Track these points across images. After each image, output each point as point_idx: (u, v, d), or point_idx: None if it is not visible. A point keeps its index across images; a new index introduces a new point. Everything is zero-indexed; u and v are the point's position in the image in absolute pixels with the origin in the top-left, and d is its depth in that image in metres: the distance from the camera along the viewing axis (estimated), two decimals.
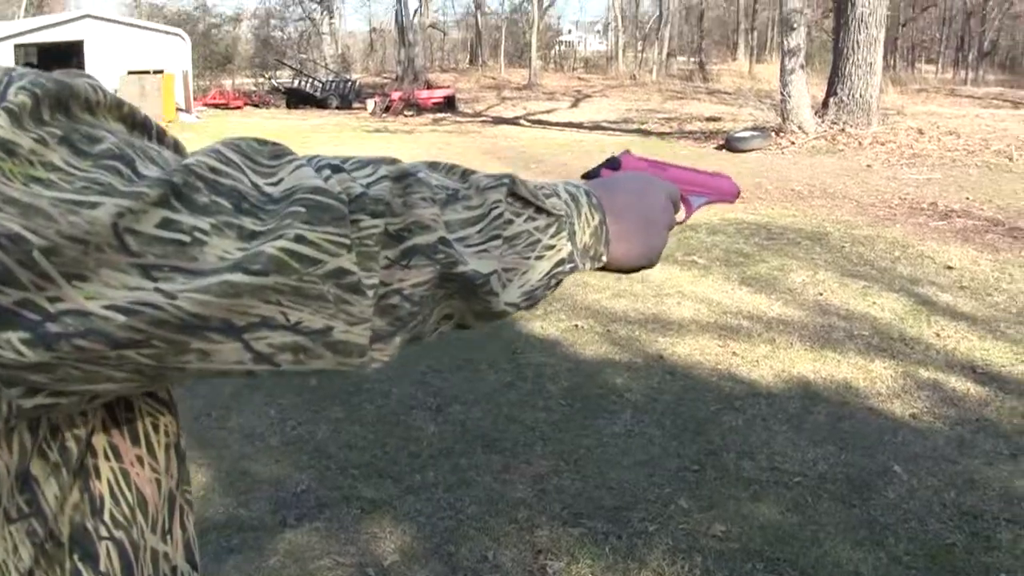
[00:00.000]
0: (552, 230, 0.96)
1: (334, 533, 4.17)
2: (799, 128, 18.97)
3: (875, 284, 8.11)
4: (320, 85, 39.99)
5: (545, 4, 58.40)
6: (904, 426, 5.28)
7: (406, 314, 0.81)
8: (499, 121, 28.46)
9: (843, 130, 18.96)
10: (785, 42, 19.78)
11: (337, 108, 36.67)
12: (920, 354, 6.43)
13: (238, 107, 37.25)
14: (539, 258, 0.95)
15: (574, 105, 33.68)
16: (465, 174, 0.92)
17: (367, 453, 4.94)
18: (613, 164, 1.28)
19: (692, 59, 55.59)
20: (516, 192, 0.93)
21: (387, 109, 32.45)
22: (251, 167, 0.75)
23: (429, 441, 5.06)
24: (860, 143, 18.08)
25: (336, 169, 0.80)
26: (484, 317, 0.93)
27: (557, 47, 68.35)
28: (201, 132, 23.01)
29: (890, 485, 4.59)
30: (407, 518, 4.31)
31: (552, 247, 0.96)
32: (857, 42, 19.36)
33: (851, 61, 19.47)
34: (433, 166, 0.91)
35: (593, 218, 1.03)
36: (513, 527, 4.24)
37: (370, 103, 34.28)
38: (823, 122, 19.43)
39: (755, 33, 55.58)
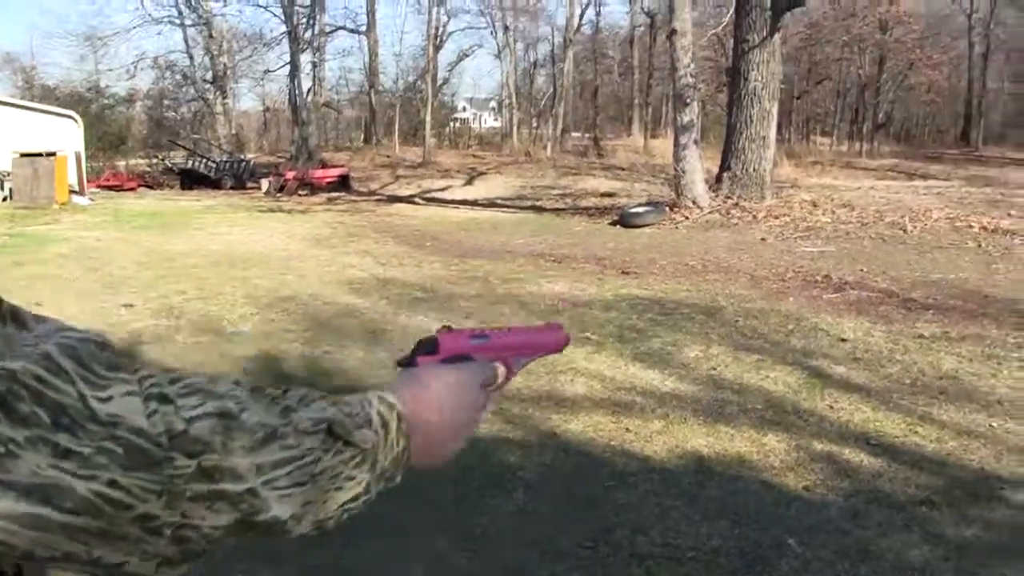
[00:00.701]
0: (356, 461, 0.99)
1: None
2: (693, 203, 19.24)
3: (769, 357, 8.22)
4: (214, 165, 39.78)
5: (439, 82, 58.96)
6: (798, 498, 5.34)
7: (198, 548, 0.86)
8: (394, 199, 28.52)
9: (737, 204, 19.29)
10: (678, 117, 20.10)
11: (231, 188, 36.50)
12: (814, 426, 6.52)
13: (132, 188, 36.86)
14: (338, 489, 0.97)
15: (469, 183, 33.85)
16: (287, 411, 0.94)
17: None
18: (430, 348, 1.29)
19: (586, 135, 56.28)
20: (334, 432, 0.97)
21: (281, 188, 32.33)
22: (83, 375, 0.79)
23: None
24: (754, 216, 18.40)
25: (163, 400, 0.83)
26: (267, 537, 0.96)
27: (451, 124, 68.78)
28: (95, 214, 22.69)
29: (784, 558, 4.63)
30: None
31: (352, 479, 0.99)
32: (750, 117, 19.79)
33: (744, 135, 19.88)
34: (257, 394, 0.94)
35: (398, 444, 1.05)
36: None
37: (264, 183, 34.14)
38: (717, 196, 19.75)
39: (649, 108, 56.46)
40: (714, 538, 4.85)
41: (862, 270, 12.84)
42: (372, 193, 32.27)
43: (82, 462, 0.74)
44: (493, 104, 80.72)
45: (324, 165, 38.61)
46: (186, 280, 12.43)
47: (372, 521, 5.07)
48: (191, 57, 55.97)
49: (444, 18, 56.20)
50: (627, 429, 6.50)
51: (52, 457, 0.72)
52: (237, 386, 0.93)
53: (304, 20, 45.56)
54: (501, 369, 1.34)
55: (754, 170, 19.85)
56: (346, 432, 0.97)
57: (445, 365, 1.24)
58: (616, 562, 4.64)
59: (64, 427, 0.74)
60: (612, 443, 6.25)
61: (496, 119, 77.51)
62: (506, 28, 58.04)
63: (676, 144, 20.13)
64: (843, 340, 8.87)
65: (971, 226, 16.42)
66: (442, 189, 31.70)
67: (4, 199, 24.38)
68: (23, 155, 24.58)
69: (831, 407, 6.93)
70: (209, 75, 55.18)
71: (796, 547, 4.74)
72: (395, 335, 9.08)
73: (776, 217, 18.24)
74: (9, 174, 24.52)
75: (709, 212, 18.90)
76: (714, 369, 7.93)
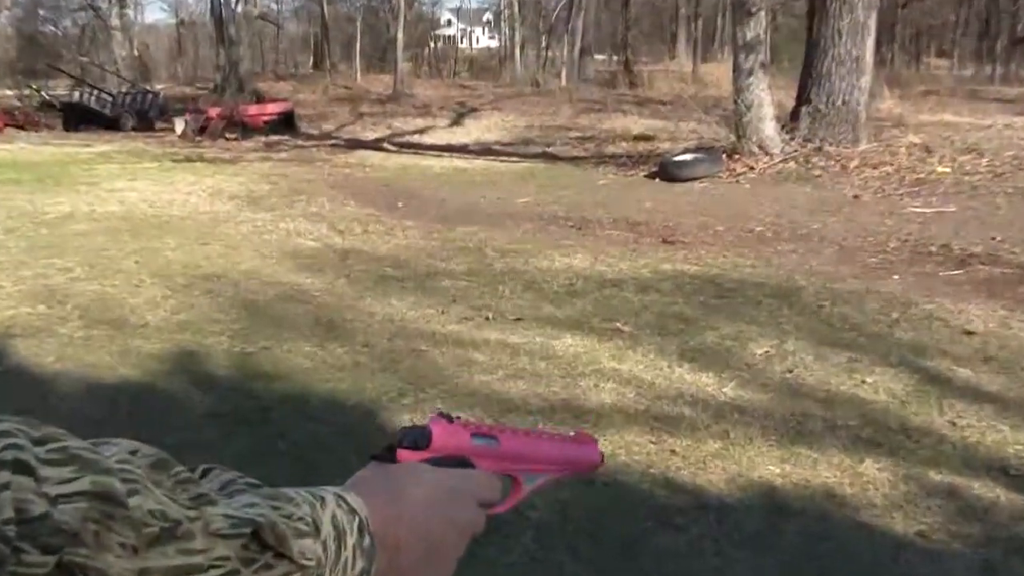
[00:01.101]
0: None
1: None
2: (760, 148, 19.11)
3: (865, 356, 8.17)
4: (110, 99, 39.66)
5: None
6: (908, 547, 5.29)
7: None
8: (355, 145, 28.45)
9: (820, 149, 19.16)
10: (740, 33, 19.90)
11: (134, 129, 36.39)
12: (929, 449, 6.46)
13: None
14: None
15: (456, 123, 33.82)
16: (199, 500, 0.90)
17: None
18: (417, 441, 1.27)
19: (615, 58, 56.16)
20: (260, 538, 0.93)
21: (202, 130, 32.26)
22: None
23: None
24: (844, 166, 18.29)
25: (22, 468, 0.79)
26: None
27: (432, 44, 68.70)
28: None
29: None
30: None
31: None
32: (839, 31, 19.62)
33: (830, 56, 19.73)
34: (160, 471, 0.90)
35: (353, 567, 1.03)
36: None
37: (179, 122, 34.05)
38: (793, 139, 19.62)
39: (699, 22, 56.41)
40: None
41: (994, 238, 12.72)
42: (326, 136, 32.23)
43: None
44: (488, 17, 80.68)
45: (260, 99, 38.61)
46: (73, 253, 12.40)
47: None
48: None
49: None
50: (672, 451, 6.46)
51: None
52: (133, 456, 0.89)
53: None
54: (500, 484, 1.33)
55: (844, 103, 19.70)
56: (279, 540, 0.93)
57: (434, 468, 1.23)
58: None
59: None
60: (652, 470, 6.21)
61: (492, 37, 77.49)
62: None
63: (736, 70, 19.97)
64: (968, 333, 8.80)
65: None
66: (420, 131, 31.65)
67: None
68: None
69: (953, 423, 6.87)
70: None
71: None
72: (357, 327, 9.08)
73: (874, 167, 18.13)
74: None
75: (782, 160, 18.81)
76: (790, 371, 7.90)
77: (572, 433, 1.46)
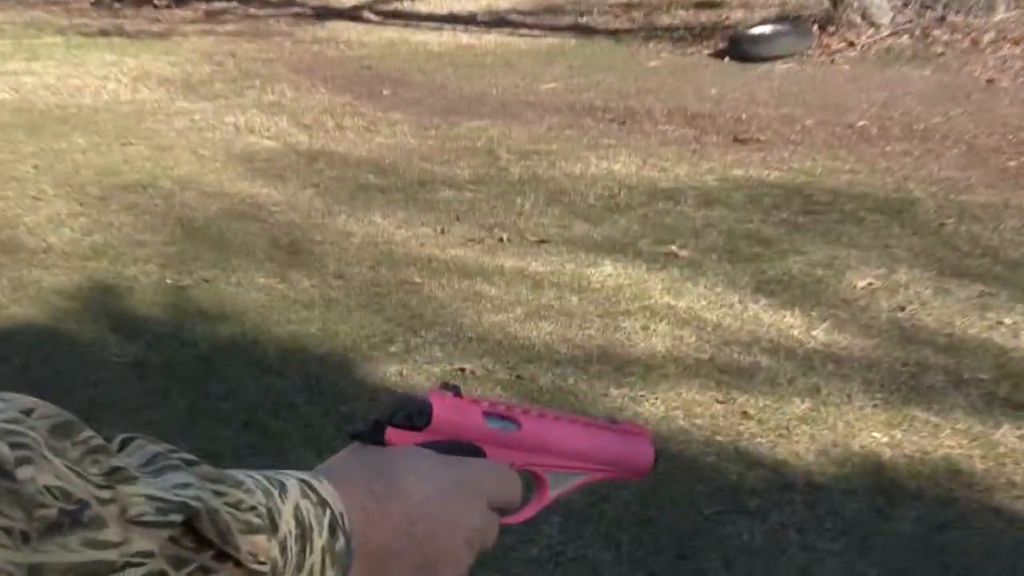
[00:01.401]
0: None
1: None
2: (863, 18, 19.06)
3: (1002, 290, 8.17)
4: None
5: None
6: None
7: None
8: (325, 14, 28.36)
9: (944, 19, 19.11)
10: None
11: None
12: None
13: None
14: None
15: None
16: (115, 474, 0.86)
17: None
18: (413, 419, 1.22)
19: None
20: (196, 530, 0.89)
21: None
22: None
23: None
24: (975, 42, 18.22)
25: None
26: None
27: None
28: None
29: None
30: None
31: None
32: None
33: None
34: (61, 435, 0.86)
35: (324, 574, 1.01)
36: None
37: None
38: (908, 6, 19.57)
39: None
40: None
41: None
42: (287, 3, 32.19)
43: None
44: None
45: None
46: None
47: None
48: None
49: None
50: (745, 414, 6.50)
51: None
52: (27, 417, 0.85)
53: None
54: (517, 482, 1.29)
55: None
56: (220, 533, 0.89)
57: (436, 455, 1.19)
58: None
59: None
60: (718, 438, 6.24)
61: None
62: None
63: None
64: None
65: None
66: None
67: None
68: None
69: None
70: None
71: None
72: (328, 252, 9.10)
73: (1015, 42, 18.06)
74: None
75: (892, 34, 18.74)
76: (901, 309, 7.91)
77: (617, 423, 1.43)
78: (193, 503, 0.87)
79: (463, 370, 7.05)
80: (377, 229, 9.51)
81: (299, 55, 20.91)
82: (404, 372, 7.03)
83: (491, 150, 12.47)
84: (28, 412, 0.85)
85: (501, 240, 9.38)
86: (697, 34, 21.04)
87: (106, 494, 0.83)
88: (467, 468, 1.17)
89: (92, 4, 31.89)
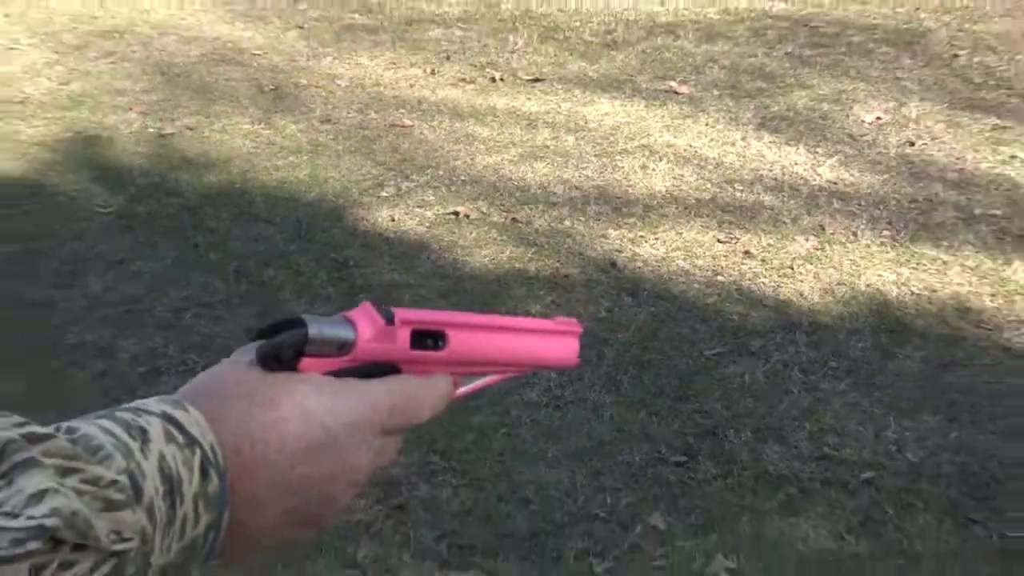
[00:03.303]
0: (105, 570, 0.89)
1: None
2: None
3: (1017, 123, 8.16)
4: None
5: None
6: None
7: None
8: None
9: None
10: None
11: None
12: None
13: None
14: None
15: None
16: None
17: None
18: (338, 337, 1.15)
19: None
20: (56, 539, 0.85)
21: None
22: None
23: None
24: None
25: None
26: None
27: None
28: None
29: None
30: None
31: None
32: None
33: None
34: None
35: (198, 521, 0.97)
36: None
37: None
38: None
39: None
40: (912, 448, 4.88)
41: None
42: None
43: None
44: None
45: None
46: None
47: None
48: None
49: None
50: (747, 253, 6.55)
51: None
52: None
53: None
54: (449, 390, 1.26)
55: None
56: (81, 532, 0.86)
57: (328, 390, 1.12)
58: (727, 488, 4.70)
59: None
60: (719, 278, 6.30)
61: None
62: None
63: None
64: None
65: None
66: None
67: None
68: None
69: None
70: None
71: None
72: (315, 95, 9.11)
73: None
74: None
75: None
76: (911, 144, 7.91)
77: (549, 321, 1.37)
78: (49, 522, 0.83)
79: (456, 214, 7.05)
80: (364, 71, 9.50)
81: None
82: (396, 216, 7.05)
83: None
84: None
85: (493, 79, 9.36)
86: None
87: None
88: (364, 400, 1.11)
89: None
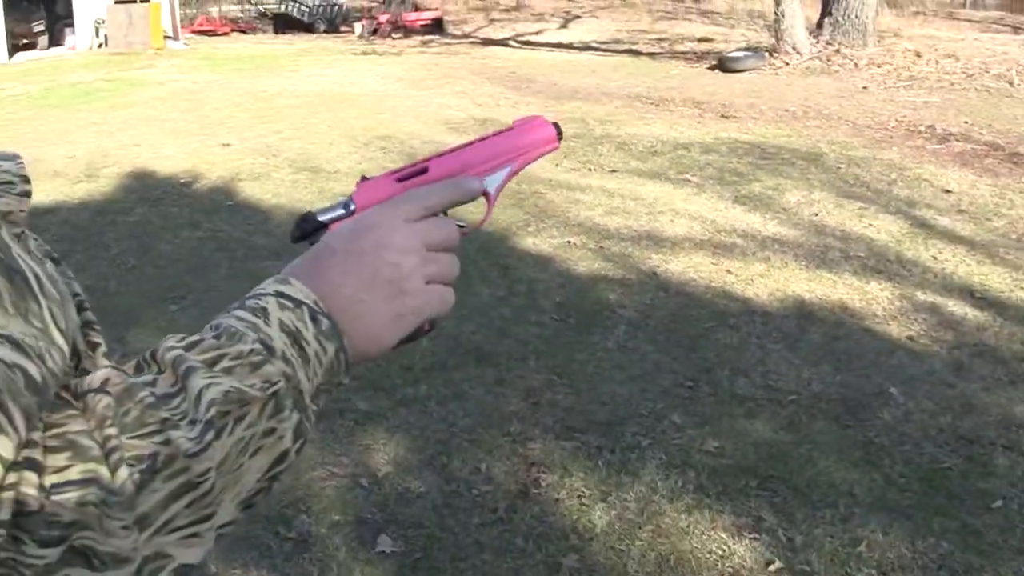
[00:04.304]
0: (270, 409, 0.78)
1: (328, 444, 4.17)
2: (793, 48, 18.66)
3: (871, 205, 8.04)
4: (307, 10, 39.54)
5: None
6: (900, 348, 5.26)
7: None
8: (488, 43, 28.07)
9: (838, 51, 18.68)
10: None
11: (324, 32, 36.30)
12: (917, 277, 6.40)
13: (225, 34, 36.68)
14: (254, 454, 0.78)
15: (563, 26, 33.20)
16: (165, 428, 0.72)
17: (360, 366, 4.92)
18: (342, 208, 0.97)
19: None
20: (240, 414, 0.77)
21: (374, 32, 31.97)
22: None
23: (422, 355, 5.02)
24: (856, 64, 17.81)
25: (29, 465, 0.66)
26: None
27: None
28: (189, 59, 22.58)
29: (886, 407, 4.58)
30: (401, 430, 4.31)
31: (271, 432, 0.78)
32: None
33: None
34: (127, 397, 0.73)
35: (326, 351, 0.83)
36: (506, 440, 4.24)
37: (357, 27, 33.74)
38: (818, 42, 19.15)
39: None
40: (815, 383, 4.81)
41: (967, 122, 12.31)
42: (466, 36, 31.86)
43: None
44: None
45: (417, 8, 38.16)
46: (282, 120, 12.42)
47: (476, 354, 5.11)
48: None
49: None
50: (728, 271, 6.45)
51: None
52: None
53: None
54: (474, 184, 1.03)
55: (856, 16, 19.16)
56: (242, 400, 0.76)
57: (360, 215, 0.94)
58: (716, 402, 4.63)
59: None
60: (713, 284, 6.22)
61: None
62: None
63: None
64: (947, 192, 8.59)
65: None
66: (536, 32, 31.15)
67: (100, 46, 24.44)
68: (117, 2, 24.60)
69: (935, 258, 6.78)
70: None
71: (899, 397, 4.68)
72: None
73: (878, 65, 17.62)
74: (104, 21, 24.55)
75: (809, 59, 18.34)
76: (816, 215, 7.79)
77: (511, 124, 1.13)
78: (211, 413, 0.74)
79: (569, 242, 7.01)
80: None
81: (473, 65, 20.69)
82: (535, 242, 7.02)
83: (583, 119, 12.19)
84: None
85: (590, 169, 9.26)
86: (699, 56, 20.66)
87: (162, 439, 0.72)
88: (381, 218, 0.89)
89: (357, 38, 31.75)
